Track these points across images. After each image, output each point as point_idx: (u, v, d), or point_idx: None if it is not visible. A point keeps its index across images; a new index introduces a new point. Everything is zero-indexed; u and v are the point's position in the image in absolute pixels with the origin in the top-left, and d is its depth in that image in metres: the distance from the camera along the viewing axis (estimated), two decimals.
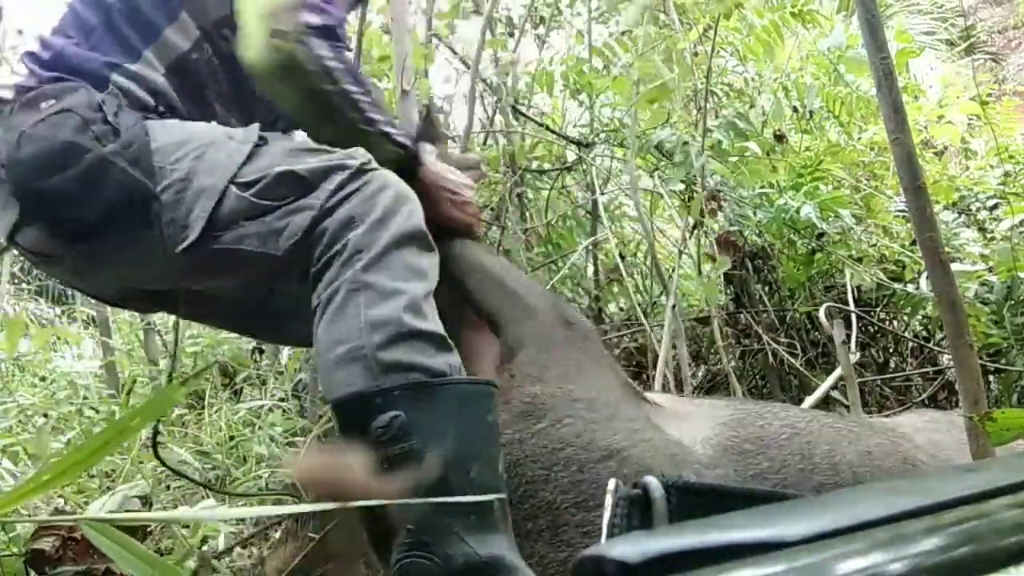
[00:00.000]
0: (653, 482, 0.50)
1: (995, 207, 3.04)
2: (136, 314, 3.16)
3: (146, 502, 1.48)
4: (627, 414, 1.20)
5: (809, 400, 2.00)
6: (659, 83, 2.34)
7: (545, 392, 1.20)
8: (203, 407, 2.46)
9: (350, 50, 1.51)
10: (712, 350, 2.55)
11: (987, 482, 0.40)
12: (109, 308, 3.02)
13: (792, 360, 2.44)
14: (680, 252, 2.41)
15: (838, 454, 1.18)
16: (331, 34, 1.32)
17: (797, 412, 1.31)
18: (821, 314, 2.24)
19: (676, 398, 1.43)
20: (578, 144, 2.76)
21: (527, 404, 1.20)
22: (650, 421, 1.21)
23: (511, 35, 2.87)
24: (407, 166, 1.41)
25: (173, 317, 3.30)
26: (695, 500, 0.49)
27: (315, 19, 1.30)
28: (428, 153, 1.49)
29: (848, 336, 2.19)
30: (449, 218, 1.47)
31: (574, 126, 2.90)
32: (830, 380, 2.07)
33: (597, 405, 1.20)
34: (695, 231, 2.40)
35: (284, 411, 2.50)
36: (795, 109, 2.79)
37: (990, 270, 2.47)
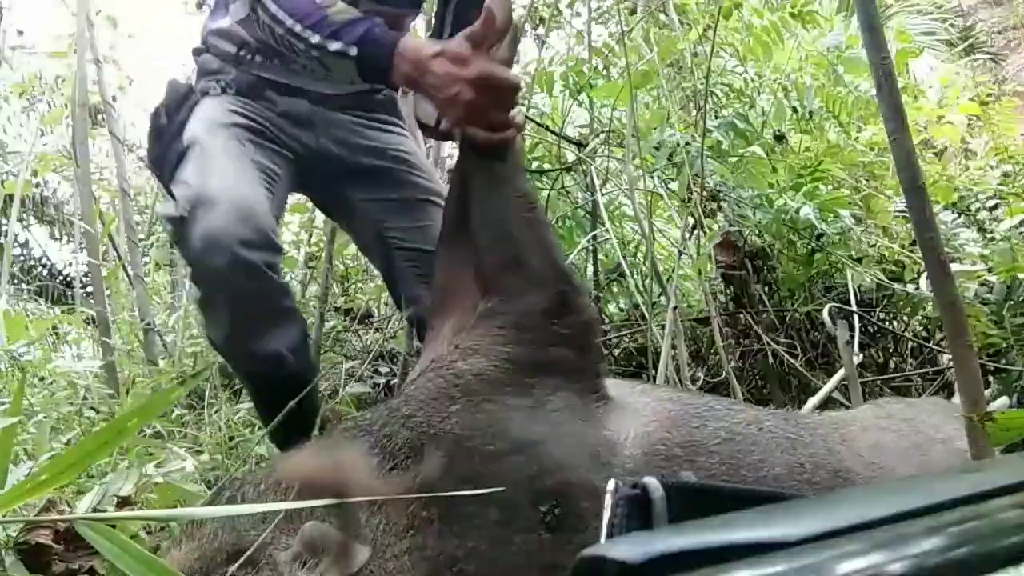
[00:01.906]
0: (652, 482, 0.50)
1: (995, 207, 3.04)
2: (136, 314, 3.16)
3: (126, 502, 1.47)
4: (558, 404, 1.09)
5: (813, 401, 2.00)
6: (643, 69, 2.35)
7: (474, 370, 1.09)
8: (203, 407, 2.46)
9: None
10: (712, 350, 2.55)
11: (987, 482, 0.40)
12: (109, 308, 3.02)
13: (792, 360, 2.44)
14: (680, 252, 2.41)
15: (766, 466, 1.11)
16: None
17: (739, 413, 1.21)
18: (825, 314, 2.24)
19: (624, 385, 1.26)
20: (578, 144, 2.76)
21: (447, 382, 1.09)
22: (586, 412, 1.10)
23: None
24: (371, 67, 1.36)
25: (173, 317, 3.31)
26: (695, 500, 0.49)
27: None
28: (408, 45, 1.34)
29: (852, 336, 2.19)
30: (455, 124, 1.34)
31: (574, 126, 2.90)
32: (833, 381, 2.07)
33: (527, 391, 1.09)
34: (695, 231, 2.40)
35: None
36: (795, 109, 2.78)
37: (990, 270, 2.47)
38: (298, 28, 1.40)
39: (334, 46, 1.36)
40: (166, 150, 1.64)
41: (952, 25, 10.70)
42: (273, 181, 1.62)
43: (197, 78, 1.77)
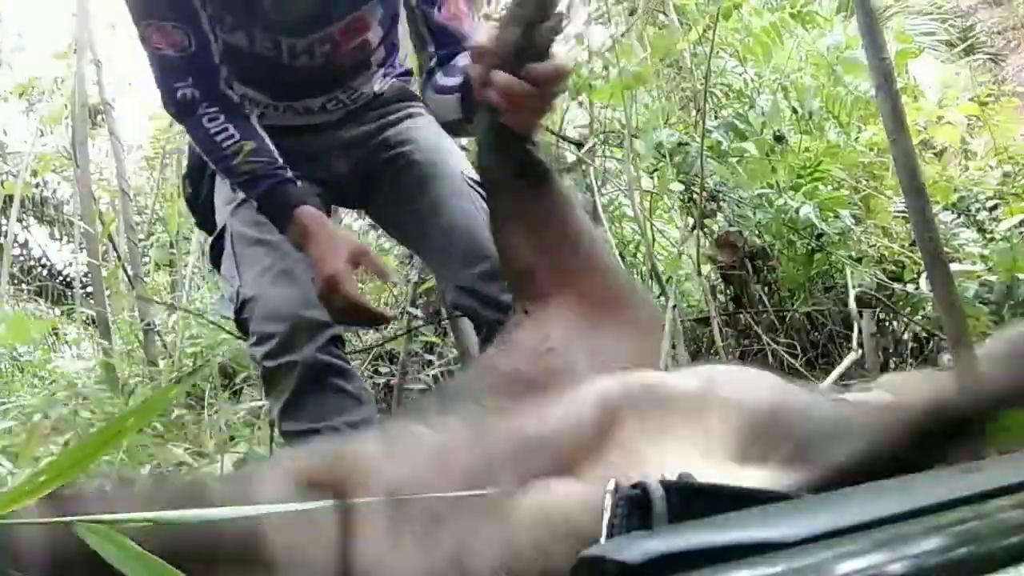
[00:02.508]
0: (652, 482, 0.50)
1: (994, 208, 3.05)
2: (136, 315, 3.16)
3: None
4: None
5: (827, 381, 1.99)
6: (636, 70, 2.35)
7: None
8: (202, 408, 2.46)
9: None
10: (712, 350, 2.55)
11: (986, 482, 0.40)
12: (109, 309, 3.02)
13: (792, 360, 2.44)
14: (680, 253, 2.41)
15: None
16: (177, 111, 1.45)
17: None
18: (852, 304, 2.23)
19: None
20: (577, 144, 2.76)
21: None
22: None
23: None
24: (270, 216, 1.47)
25: (173, 318, 3.31)
26: (695, 500, 0.48)
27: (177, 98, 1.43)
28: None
29: (861, 333, 2.19)
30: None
31: (574, 127, 2.90)
32: (846, 361, 2.06)
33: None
34: (694, 231, 2.40)
35: None
36: (794, 110, 2.79)
37: (990, 270, 2.47)
38: (213, 165, 1.49)
39: (241, 192, 1.47)
40: (205, 223, 1.70)
41: (952, 25, 10.71)
42: None
43: None
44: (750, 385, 0.96)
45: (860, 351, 2.20)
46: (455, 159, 1.73)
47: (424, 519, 0.78)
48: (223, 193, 1.59)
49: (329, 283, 1.35)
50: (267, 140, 1.45)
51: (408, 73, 1.73)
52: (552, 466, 0.80)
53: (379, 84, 1.69)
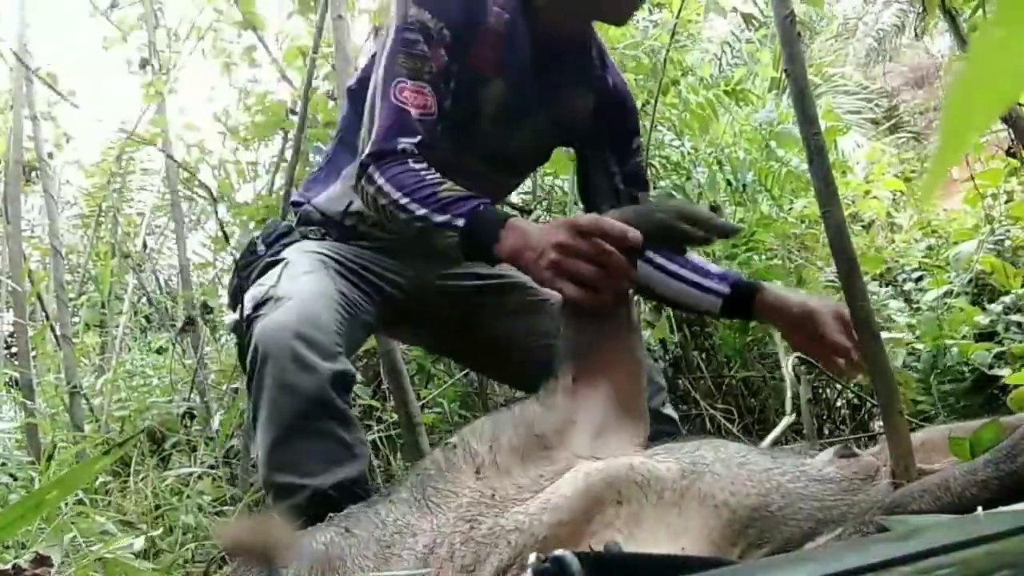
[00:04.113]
0: (568, 555, 0.49)
1: (920, 279, 3.16)
2: (62, 377, 3.05)
3: (44, 561, 1.39)
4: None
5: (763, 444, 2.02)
6: None
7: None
8: (128, 474, 2.37)
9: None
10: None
11: (924, 544, 0.40)
12: (33, 370, 2.91)
13: (729, 425, 2.47)
14: (640, 301, 2.43)
15: None
16: (381, 156, 1.44)
17: None
18: (788, 370, 2.27)
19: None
20: (520, 211, 2.79)
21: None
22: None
23: None
24: (476, 241, 1.34)
25: (100, 381, 3.20)
26: (615, 571, 0.48)
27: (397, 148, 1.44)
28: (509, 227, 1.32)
29: (797, 398, 2.22)
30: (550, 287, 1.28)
31: (517, 194, 2.94)
32: (779, 428, 2.09)
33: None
34: (635, 297, 2.43)
35: (214, 479, 2.41)
36: (729, 182, 2.88)
37: (917, 339, 2.55)
38: (404, 200, 1.39)
39: (439, 218, 1.35)
40: (252, 270, 1.62)
41: (877, 105, 11.26)
42: (350, 312, 1.56)
43: (297, 224, 1.76)
44: (734, 473, 0.99)
45: (794, 415, 2.23)
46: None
47: None
48: (254, 292, 1.54)
49: (570, 229, 1.21)
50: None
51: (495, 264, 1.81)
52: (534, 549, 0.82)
53: None
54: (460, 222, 1.33)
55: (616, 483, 0.92)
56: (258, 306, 1.47)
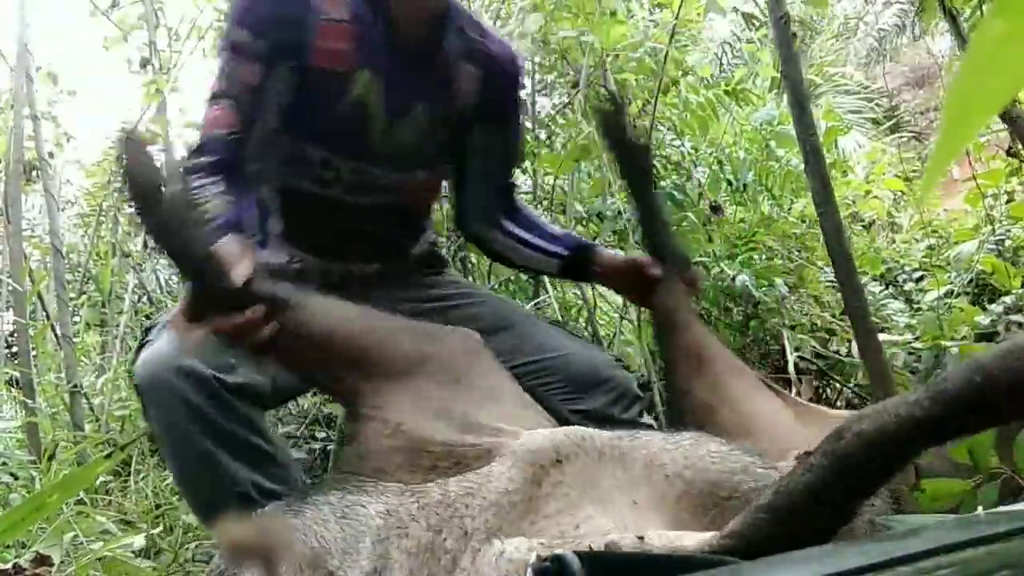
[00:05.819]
0: (569, 554, 0.49)
1: (920, 279, 3.16)
2: (63, 376, 3.05)
3: (44, 561, 1.39)
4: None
5: None
6: (584, 143, 2.41)
7: None
8: (129, 473, 2.37)
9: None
10: (653, 415, 2.56)
11: (923, 544, 0.40)
12: (34, 369, 2.91)
13: None
14: (621, 318, 2.44)
15: None
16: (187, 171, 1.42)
17: None
18: (792, 370, 2.27)
19: None
20: None
21: None
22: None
23: None
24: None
25: (101, 380, 3.20)
26: (616, 569, 0.48)
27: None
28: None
29: (799, 397, 2.23)
30: None
31: (517, 194, 2.94)
32: None
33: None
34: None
35: None
36: (729, 182, 2.88)
37: (917, 339, 2.55)
38: None
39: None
40: None
41: (878, 105, 11.25)
42: None
43: None
44: (687, 449, 0.97)
45: None
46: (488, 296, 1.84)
47: None
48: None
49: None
50: (251, 214, 1.39)
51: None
52: (496, 524, 0.80)
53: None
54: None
55: (551, 443, 0.90)
56: (154, 331, 1.39)
